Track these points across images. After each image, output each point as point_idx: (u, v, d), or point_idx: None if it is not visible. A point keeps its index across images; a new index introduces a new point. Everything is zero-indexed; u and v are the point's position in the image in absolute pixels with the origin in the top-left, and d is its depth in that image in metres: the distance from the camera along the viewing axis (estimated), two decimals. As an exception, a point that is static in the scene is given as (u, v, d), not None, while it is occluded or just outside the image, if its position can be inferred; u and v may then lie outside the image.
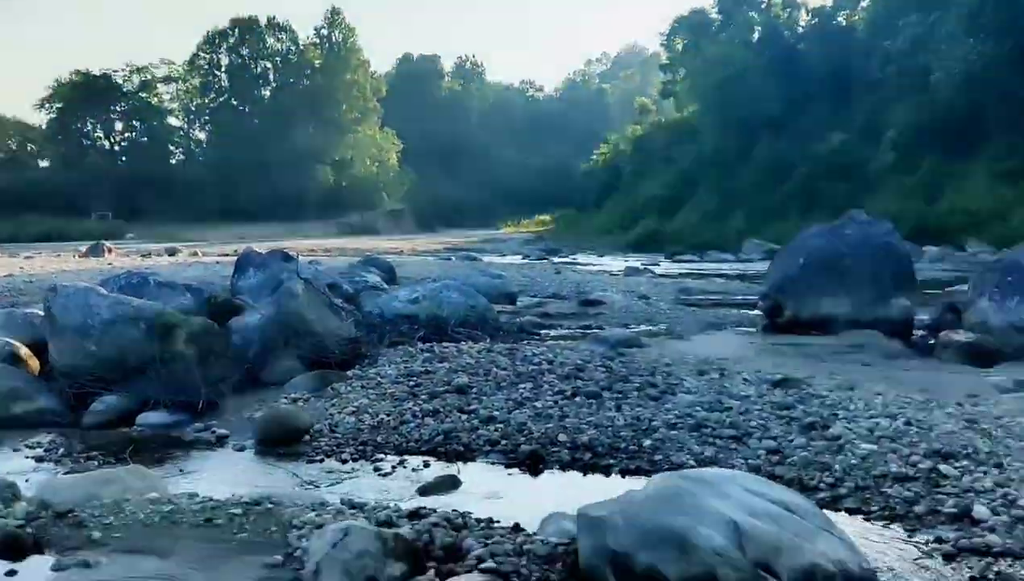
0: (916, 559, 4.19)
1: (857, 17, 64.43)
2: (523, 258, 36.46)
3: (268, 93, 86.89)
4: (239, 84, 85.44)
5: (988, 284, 9.98)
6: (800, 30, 68.16)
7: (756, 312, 12.80)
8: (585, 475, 5.64)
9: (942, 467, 5.23)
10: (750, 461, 5.55)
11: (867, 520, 4.73)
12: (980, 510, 4.59)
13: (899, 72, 53.49)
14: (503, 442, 6.07)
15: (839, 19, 66.85)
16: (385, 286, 15.12)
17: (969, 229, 40.57)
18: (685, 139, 68.02)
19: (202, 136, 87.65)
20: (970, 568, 4.03)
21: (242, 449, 6.33)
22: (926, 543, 4.34)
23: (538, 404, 6.84)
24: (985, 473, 5.12)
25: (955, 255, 35.68)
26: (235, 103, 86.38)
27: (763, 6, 67.77)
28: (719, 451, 5.76)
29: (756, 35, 66.28)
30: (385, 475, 5.61)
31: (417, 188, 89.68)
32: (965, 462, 5.32)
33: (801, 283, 10.71)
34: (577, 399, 6.97)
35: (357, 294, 13.04)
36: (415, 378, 7.75)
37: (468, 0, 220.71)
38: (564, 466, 5.74)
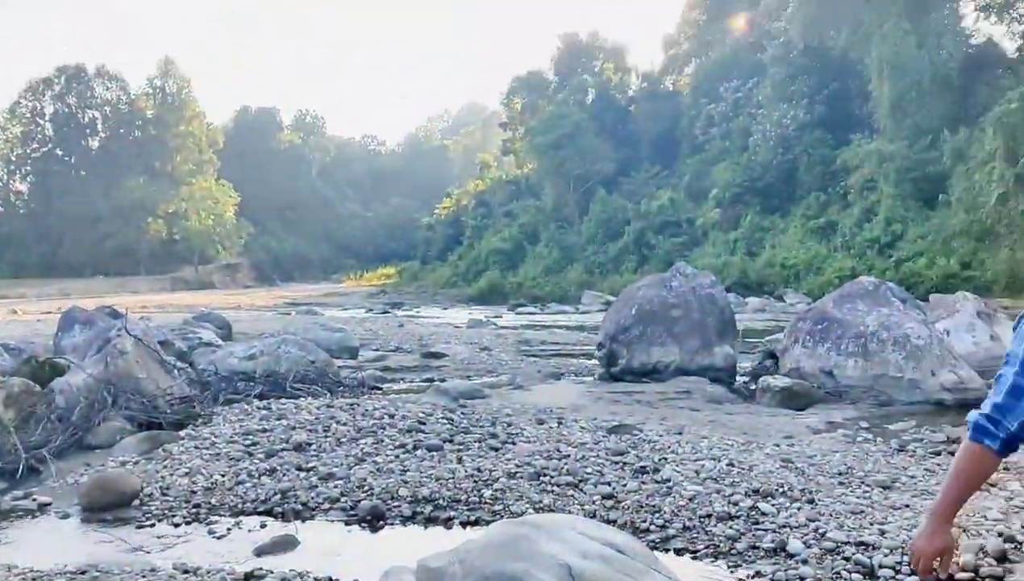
0: (738, 592, 4.45)
1: (683, 82, 68.24)
2: (366, 311, 36.17)
3: (96, 143, 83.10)
4: (65, 134, 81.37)
5: (801, 332, 10.72)
6: (631, 93, 71.55)
7: (593, 361, 13.22)
8: (426, 528, 5.66)
9: (761, 505, 5.57)
10: (586, 507, 5.72)
11: (694, 558, 4.96)
12: (794, 544, 4.91)
13: (722, 134, 56.96)
14: (343, 499, 6.01)
15: (667, 84, 70.69)
16: (220, 342, 14.71)
17: (787, 281, 43.36)
18: (525, 195, 69.71)
19: (23, 187, 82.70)
20: (791, 600, 4.31)
21: (66, 517, 6.00)
22: (747, 577, 4.61)
23: (379, 459, 6.82)
24: (799, 509, 5.49)
25: (774, 305, 37.89)
26: (60, 153, 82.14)
27: (596, 70, 70.75)
28: (557, 498, 5.92)
29: (590, 97, 69.05)
30: (220, 537, 5.45)
31: (255, 241, 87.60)
32: (781, 499, 5.68)
33: (633, 333, 11.17)
34: (419, 452, 7.00)
35: (191, 351, 12.64)
36: (251, 436, 7.57)
37: (308, 55, 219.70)
38: (405, 520, 5.74)
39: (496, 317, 30.47)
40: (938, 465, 6.64)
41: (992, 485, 5.98)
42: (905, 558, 4.64)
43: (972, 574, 4.46)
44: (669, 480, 6.09)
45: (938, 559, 2.16)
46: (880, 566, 4.57)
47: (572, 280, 53.06)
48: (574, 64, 69.90)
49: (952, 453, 7.05)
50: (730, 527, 5.26)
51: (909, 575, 4.49)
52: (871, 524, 5.15)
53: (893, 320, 10.14)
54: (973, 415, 2.05)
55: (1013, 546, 4.75)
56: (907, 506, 5.51)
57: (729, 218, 51.39)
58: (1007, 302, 31.57)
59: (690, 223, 54.00)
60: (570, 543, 3.89)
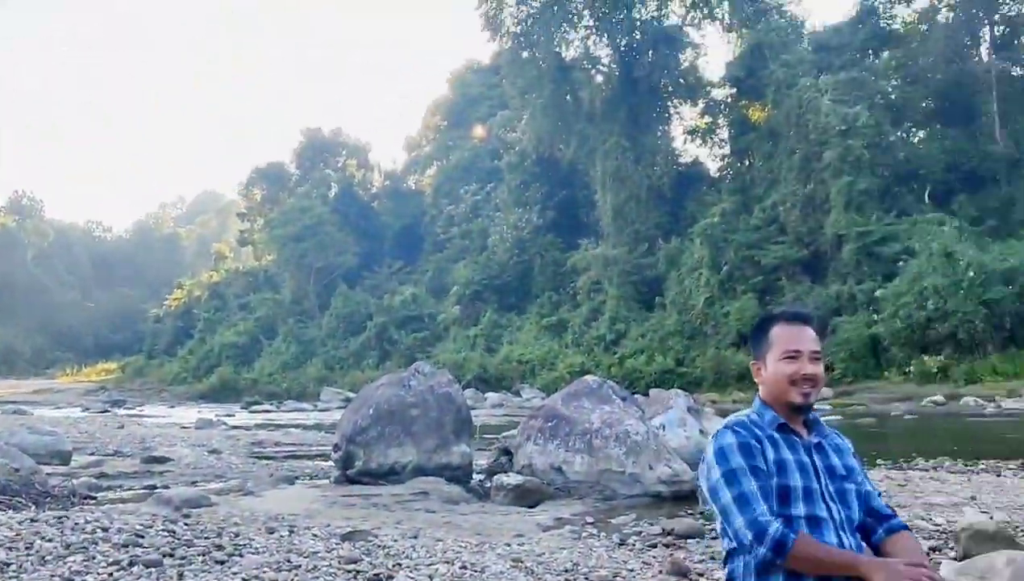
0: None
1: (425, 182, 70.20)
2: (82, 411, 33.33)
3: None
4: None
5: (533, 430, 11.13)
6: (374, 190, 72.52)
7: (330, 463, 12.92)
8: (141, 655, 5.22)
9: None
10: (316, 620, 5.54)
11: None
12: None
13: (461, 234, 58.88)
14: (44, 627, 5.43)
15: (409, 183, 72.36)
16: (-98, 450, 12.92)
17: (523, 376, 44.99)
18: (263, 287, 67.96)
19: None
20: None
21: None
22: None
23: (89, 578, 6.23)
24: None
25: (512, 400, 39.07)
26: None
27: (339, 165, 71.21)
28: (286, 613, 5.68)
29: (333, 191, 69.20)
30: None
31: (-44, 332, 78.73)
32: (512, 600, 5.79)
33: (371, 434, 11.09)
34: (135, 569, 6.46)
35: None
36: (-65, 560, 6.67)
37: (24, 133, 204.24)
38: (116, 647, 5.27)
39: (228, 416, 29.14)
40: (654, 557, 7.05)
41: (700, 575, 6.45)
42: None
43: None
44: (403, 587, 6.03)
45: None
46: (601, 662, 4.75)
47: (311, 376, 52.01)
48: (316, 158, 70.01)
49: (667, 545, 7.56)
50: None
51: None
52: (594, 620, 5.36)
53: (615, 417, 10.79)
54: (770, 536, 2.10)
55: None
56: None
57: (469, 314, 52.81)
58: (714, 396, 34.54)
59: (432, 318, 54.92)
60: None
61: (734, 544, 2.17)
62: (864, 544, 2.25)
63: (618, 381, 19.92)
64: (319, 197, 65.85)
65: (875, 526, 2.28)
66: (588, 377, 12.56)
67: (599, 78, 51.61)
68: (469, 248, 57.19)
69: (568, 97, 50.95)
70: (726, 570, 2.27)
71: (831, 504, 2.17)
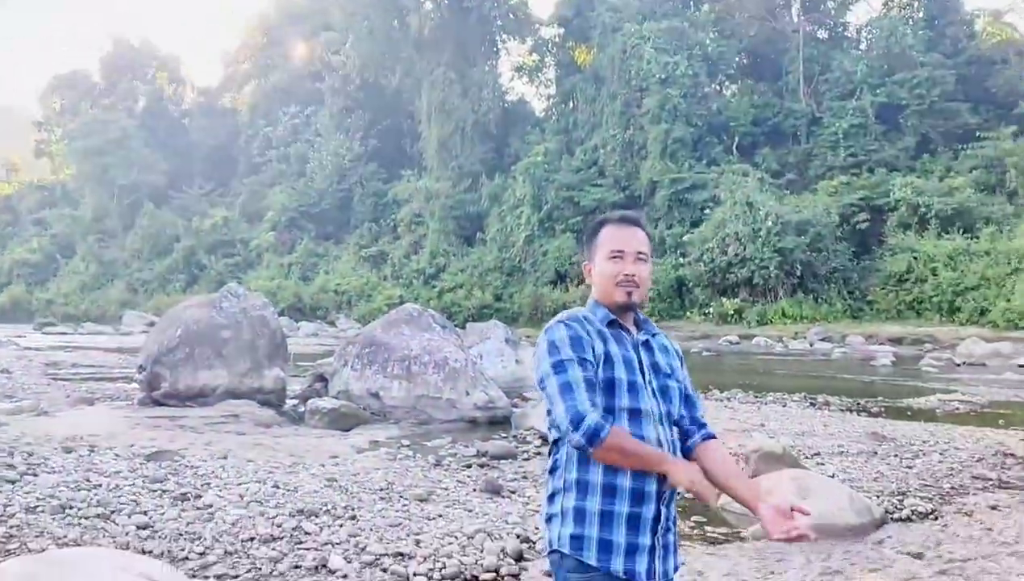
0: (278, 613, 4.42)
1: (242, 101, 67.05)
2: None
3: None
4: None
5: (351, 356, 11.03)
6: (186, 106, 68.66)
7: (134, 385, 12.35)
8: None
9: (305, 524, 5.60)
10: (119, 538, 5.30)
11: (235, 583, 4.83)
12: (335, 560, 5.00)
13: (279, 158, 56.86)
14: None
15: (225, 101, 68.90)
16: None
17: (339, 306, 44.42)
18: (61, 202, 63.37)
19: None
20: (326, 614, 4.36)
21: None
22: (288, 597, 4.60)
23: None
24: (341, 526, 5.61)
25: (327, 330, 38.51)
26: None
27: (149, 77, 66.83)
28: (85, 531, 5.41)
29: (141, 104, 65.00)
30: None
31: None
32: (325, 517, 5.77)
33: (179, 355, 10.64)
34: (-91, 491, 5.98)
35: None
36: None
37: None
38: None
39: (19, 337, 27.18)
40: (468, 477, 7.20)
41: (512, 492, 6.65)
42: (438, 564, 4.98)
43: (494, 574, 4.89)
44: (211, 505, 5.88)
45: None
46: (414, 574, 4.82)
47: (113, 298, 49.31)
48: (124, 69, 65.37)
49: (481, 465, 7.72)
50: (273, 549, 5.21)
51: (440, 579, 4.82)
52: (408, 535, 5.43)
53: (434, 345, 10.85)
54: (587, 424, 2.14)
55: (528, 546, 5.30)
56: (441, 516, 5.90)
57: (285, 242, 51.38)
58: (531, 331, 35.40)
59: (244, 244, 53.06)
60: (98, 577, 3.58)
61: (558, 433, 2.24)
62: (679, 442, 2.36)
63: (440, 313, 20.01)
64: (125, 110, 61.69)
65: (691, 431, 2.39)
66: (408, 305, 12.56)
67: (428, 5, 50.72)
68: (287, 173, 55.38)
69: (396, 22, 49.85)
70: (550, 460, 2.33)
71: (654, 399, 2.26)
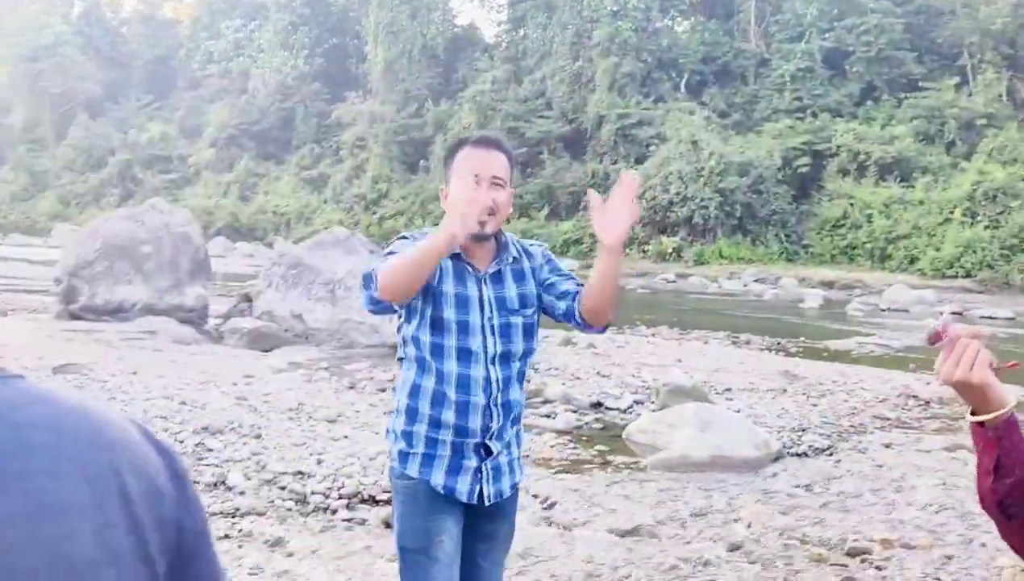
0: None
1: (183, 11, 64.77)
2: None
3: None
4: None
5: (275, 277, 10.89)
6: (124, 14, 66.12)
7: (53, 298, 12.07)
8: None
9: (208, 441, 5.58)
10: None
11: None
12: (234, 477, 5.00)
13: (220, 73, 55.28)
14: None
15: (165, 10, 66.48)
16: None
17: (278, 228, 43.79)
18: (-11, 108, 60.98)
19: None
20: (218, 529, 4.36)
21: None
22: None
23: None
24: (245, 444, 5.60)
25: (265, 252, 37.91)
26: None
27: (85, -20, 64.10)
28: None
29: (76, 9, 62.40)
30: None
31: None
32: (229, 435, 5.75)
33: (97, 268, 10.41)
34: None
35: None
36: None
37: None
38: None
39: (-61, 245, 26.34)
40: (382, 400, 7.22)
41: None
42: (336, 483, 5.00)
43: (390, 494, 4.93)
44: (114, 420, 5.81)
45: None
46: (312, 492, 4.85)
47: (42, 210, 47.96)
48: (59, -31, 62.49)
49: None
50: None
51: (338, 499, 4.85)
52: (311, 455, 5.44)
53: (360, 269, 10.76)
54: (367, 272, 2.14)
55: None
56: (346, 437, 5.93)
57: (224, 160, 50.27)
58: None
59: (183, 160, 51.79)
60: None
61: (399, 347, 2.27)
62: (518, 379, 2.29)
63: (376, 242, 19.83)
64: (60, 15, 59.13)
65: (572, 307, 2.30)
66: (337, 228, 12.42)
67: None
68: (228, 89, 53.88)
69: (345, -63, 48.39)
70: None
71: (489, 337, 2.20)
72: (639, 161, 39.48)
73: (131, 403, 6.22)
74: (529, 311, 2.30)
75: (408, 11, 46.61)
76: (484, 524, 2.30)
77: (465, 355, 2.19)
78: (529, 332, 2.31)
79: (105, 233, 10.67)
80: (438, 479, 2.19)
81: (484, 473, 2.23)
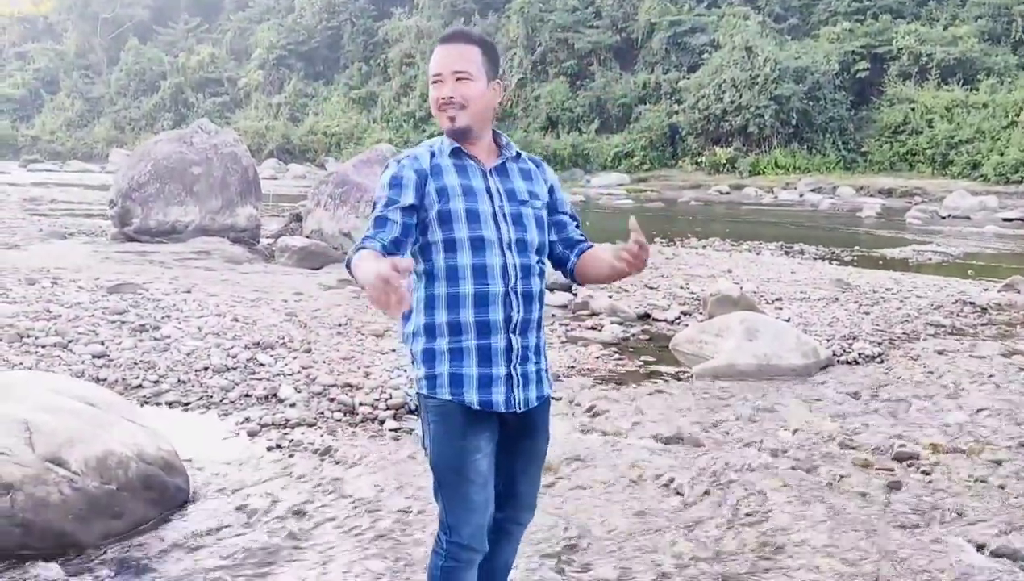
0: (224, 438, 4.54)
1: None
2: None
3: None
4: None
5: (323, 195, 10.94)
6: (169, -66, 65.59)
7: (108, 221, 12.33)
8: None
9: (259, 356, 5.69)
10: (73, 366, 5.39)
11: (185, 410, 4.94)
12: (285, 390, 5.11)
13: (266, -8, 54.90)
14: None
15: (209, -72, 65.71)
16: None
17: (328, 149, 43.89)
18: (44, 36, 61.50)
19: None
20: (270, 440, 4.48)
21: None
22: (235, 423, 4.71)
23: None
24: (295, 358, 5.70)
25: (316, 173, 38.12)
26: None
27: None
28: (41, 359, 5.50)
29: (121, -69, 62.08)
30: None
31: None
32: (280, 350, 5.86)
33: (149, 190, 10.56)
34: None
35: None
36: None
37: None
38: None
39: (3, 173, 26.96)
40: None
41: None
42: (384, 395, 5.09)
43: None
44: (169, 337, 5.96)
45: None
46: (360, 404, 4.94)
47: (98, 136, 48.61)
48: None
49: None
50: (226, 379, 5.31)
51: (385, 410, 4.93)
52: (359, 368, 5.53)
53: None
54: (348, 257, 2.12)
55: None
56: (393, 350, 6.00)
57: (273, 81, 50.26)
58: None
59: (232, 83, 51.90)
60: (33, 399, 3.65)
61: None
62: (538, 273, 2.28)
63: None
64: (105, -62, 59.01)
65: (566, 255, 2.33)
66: (382, 145, 12.39)
67: None
68: (275, 9, 53.56)
69: None
70: None
71: (502, 225, 2.18)
72: (691, 69, 38.56)
73: (186, 321, 6.36)
74: (539, 204, 2.28)
75: (453, -79, 45.59)
76: (519, 440, 2.29)
77: (478, 243, 2.14)
78: (541, 224, 2.27)
79: (155, 155, 10.78)
80: (472, 396, 2.16)
81: (515, 379, 2.18)
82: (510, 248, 2.17)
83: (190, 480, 3.85)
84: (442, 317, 2.17)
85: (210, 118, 44.66)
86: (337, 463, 4.19)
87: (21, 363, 5.42)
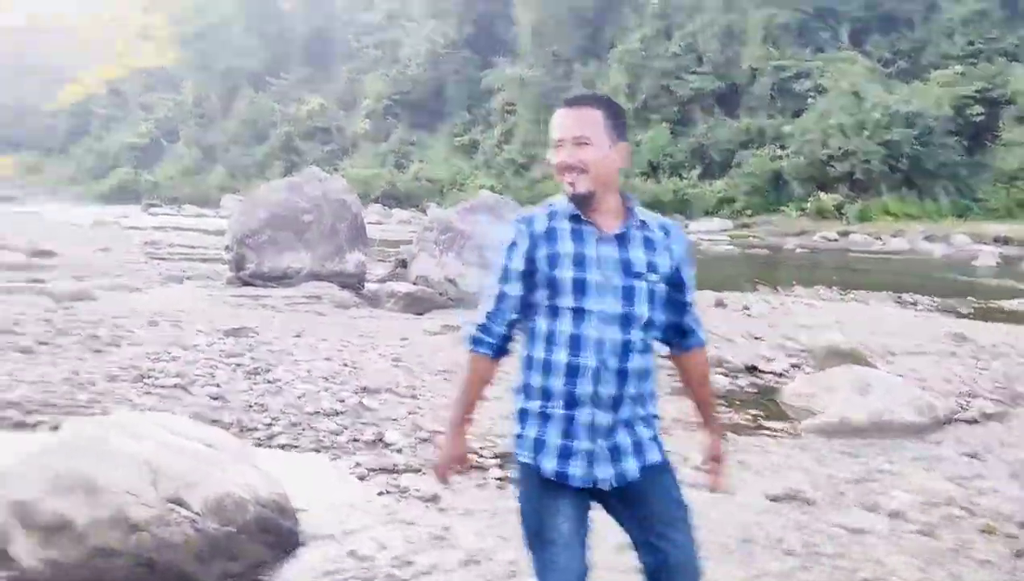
0: (334, 482, 4.63)
1: (338, -16, 66.62)
2: (-33, 206, 31.95)
3: None
4: None
5: (428, 242, 11.17)
6: (283, -11, 68.67)
7: (224, 266, 12.82)
8: (13, 433, 5.21)
9: (366, 400, 5.81)
10: (191, 408, 5.60)
11: (297, 453, 5.07)
12: (392, 435, 5.20)
13: (375, 44, 56.69)
14: (-92, 406, 5.36)
15: (322, -16, 68.53)
16: None
17: (432, 195, 44.75)
18: (165, 87, 64.88)
19: None
20: (378, 485, 4.55)
21: None
22: (345, 468, 4.81)
23: (-42, 363, 6.15)
24: (402, 404, 5.80)
25: (420, 218, 38.86)
26: None
27: (246, -40, 66.88)
28: (161, 399, 5.73)
29: (240, -12, 65.33)
30: None
31: None
32: (387, 395, 5.97)
33: (263, 237, 10.96)
34: (9, 355, 6.42)
35: None
36: None
37: None
38: (-15, 426, 5.25)
39: (124, 217, 28.39)
40: (532, 363, 7.30)
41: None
42: (488, 442, 5.12)
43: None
44: (280, 380, 6.14)
45: (457, 465, 2.37)
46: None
47: (213, 183, 50.72)
48: (224, -49, 65.45)
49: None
50: (335, 422, 5.43)
51: (491, 458, 4.96)
52: (463, 415, 5.57)
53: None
54: (467, 328, 2.24)
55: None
56: (498, 399, 6.00)
57: (380, 130, 51.68)
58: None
59: (340, 132, 53.60)
60: (155, 440, 3.81)
61: None
62: (641, 350, 2.23)
63: (527, 205, 19.98)
64: (224, -5, 62.14)
65: (678, 339, 2.32)
66: (487, 193, 12.59)
67: None
68: (381, 60, 55.25)
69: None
70: None
71: (608, 297, 2.12)
72: (796, 115, 38.02)
73: (297, 365, 6.55)
74: (655, 277, 2.20)
75: (556, -28, 46.38)
76: (633, 509, 2.22)
77: (580, 314, 2.12)
78: (653, 299, 2.20)
79: (268, 203, 11.21)
80: (549, 464, 2.14)
81: (599, 454, 2.14)
82: (612, 322, 2.13)
83: (301, 523, 3.94)
84: (537, 380, 2.18)
85: (319, 166, 46.22)
86: (443, 511, 4.22)
87: (143, 403, 5.66)
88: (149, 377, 6.08)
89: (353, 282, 11.29)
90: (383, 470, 4.73)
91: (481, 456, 4.94)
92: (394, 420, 5.46)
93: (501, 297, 2.20)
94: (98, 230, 21.19)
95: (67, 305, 8.46)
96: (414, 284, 10.94)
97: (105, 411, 5.52)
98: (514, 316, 2.20)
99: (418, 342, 7.89)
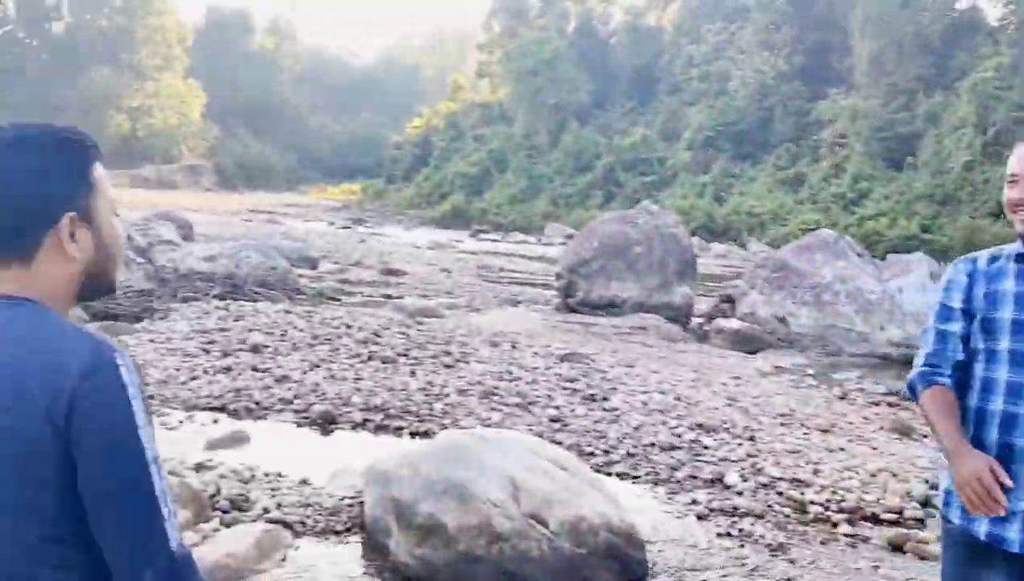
0: (673, 517, 4.61)
1: (666, 19, 67.53)
2: (328, 225, 35.88)
3: (62, 28, 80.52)
4: (27, 13, 78.69)
5: (759, 279, 10.89)
6: (613, 25, 70.74)
7: (551, 292, 13.33)
8: (376, 435, 5.74)
9: (703, 439, 5.74)
10: (534, 427, 5.84)
11: (635, 483, 5.11)
12: (732, 477, 5.08)
13: (700, 76, 56.62)
14: (296, 401, 6.08)
15: (650, 19, 69.88)
16: (180, 241, 14.55)
17: (751, 229, 43.71)
18: (497, 120, 69.01)
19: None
20: (718, 526, 4.47)
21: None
22: (684, 504, 4.77)
23: (333, 366, 6.88)
24: (739, 445, 5.66)
25: (737, 252, 38.16)
26: (22, 35, 79.53)
27: (579, -2, 69.70)
28: (506, 416, 6.03)
29: (572, 25, 68.17)
30: (171, 429, 5.49)
31: (221, 145, 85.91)
32: (723, 435, 5.86)
33: (594, 266, 11.25)
34: (373, 363, 7.08)
35: (150, 247, 12.49)
36: (208, 335, 7.58)
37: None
38: (356, 426, 5.81)
39: (458, 241, 30.45)
40: (876, 414, 6.85)
41: (924, 436, 6.21)
42: (835, 496, 4.85)
43: (896, 515, 4.66)
44: (617, 409, 6.23)
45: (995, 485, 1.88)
46: (811, 502, 4.75)
47: (537, 211, 52.95)
48: (557, -10, 68.72)
49: (891, 404, 7.28)
50: (672, 457, 5.42)
51: (838, 512, 4.69)
52: (807, 463, 5.34)
53: (848, 274, 10.33)
54: (912, 376, 2.08)
55: (936, 492, 4.95)
56: (842, 449, 5.71)
57: (700, 161, 51.39)
58: (961, 267, 32.15)
59: (661, 163, 53.94)
60: (515, 457, 4.00)
61: None
62: None
63: (858, 243, 18.91)
64: (557, 31, 65.05)
65: None
66: (823, 230, 12.06)
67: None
68: (707, 92, 54.97)
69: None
70: None
71: None
72: None
73: (631, 395, 6.62)
74: None
75: (899, 0, 43.70)
76: None
77: (1018, 358, 1.93)
78: None
79: (601, 234, 11.50)
80: (980, 525, 1.94)
81: None
82: None
83: (648, 556, 3.95)
84: (969, 431, 2.00)
85: (638, 196, 46.87)
86: (791, 562, 4.05)
87: (489, 418, 5.99)
88: (494, 394, 6.43)
89: (679, 315, 11.26)
90: (723, 511, 4.63)
91: (828, 510, 4.69)
92: (733, 461, 5.34)
93: (942, 336, 2.06)
94: (435, 253, 22.90)
95: (419, 320, 9.19)
96: (742, 321, 10.69)
97: (456, 422, 5.90)
98: (960, 357, 2.03)
99: (751, 382, 7.69)
